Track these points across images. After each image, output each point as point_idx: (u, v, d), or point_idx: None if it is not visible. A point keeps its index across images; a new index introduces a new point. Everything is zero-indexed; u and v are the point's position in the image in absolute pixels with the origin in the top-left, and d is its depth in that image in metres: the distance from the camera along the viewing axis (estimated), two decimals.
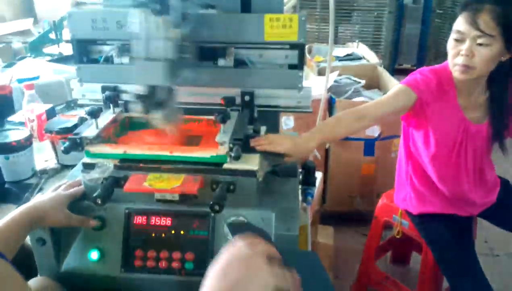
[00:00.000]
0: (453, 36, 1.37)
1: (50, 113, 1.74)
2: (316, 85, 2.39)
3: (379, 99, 1.51)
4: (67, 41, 3.26)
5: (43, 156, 1.59)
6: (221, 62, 1.17)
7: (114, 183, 0.99)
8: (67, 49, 3.15)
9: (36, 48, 3.14)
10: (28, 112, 1.67)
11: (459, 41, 1.35)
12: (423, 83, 1.45)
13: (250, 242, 0.65)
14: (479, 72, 1.37)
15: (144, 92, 0.99)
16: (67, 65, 2.52)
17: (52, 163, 1.54)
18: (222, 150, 1.00)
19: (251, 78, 1.16)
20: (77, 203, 1.03)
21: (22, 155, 1.44)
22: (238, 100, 1.16)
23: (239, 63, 1.18)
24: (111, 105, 1.16)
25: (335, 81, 2.68)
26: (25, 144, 1.44)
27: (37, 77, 2.24)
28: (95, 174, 0.99)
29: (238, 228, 0.84)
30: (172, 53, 0.95)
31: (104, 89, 1.17)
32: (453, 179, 1.56)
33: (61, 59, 2.82)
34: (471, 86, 1.45)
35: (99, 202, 0.94)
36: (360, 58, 3.16)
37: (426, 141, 1.53)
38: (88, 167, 1.02)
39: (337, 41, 4.24)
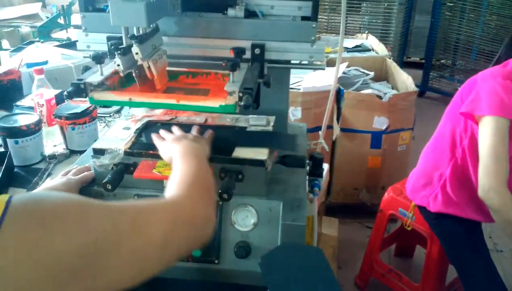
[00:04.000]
0: None
1: (59, 99, 1.74)
2: (324, 76, 2.38)
3: (496, 150, 1.37)
4: (75, 27, 3.25)
5: (52, 141, 1.60)
6: (231, 12, 1.12)
7: (124, 169, 1.00)
8: (76, 35, 3.15)
9: (44, 33, 3.14)
10: (37, 97, 1.68)
11: None
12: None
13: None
14: None
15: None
16: (75, 50, 2.51)
17: (60, 148, 1.55)
18: (231, 100, 0.94)
19: (262, 29, 1.12)
20: (86, 188, 1.04)
21: (31, 139, 1.45)
22: (248, 54, 1.11)
23: (250, 14, 1.13)
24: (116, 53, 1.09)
25: (344, 73, 2.67)
26: (34, 129, 1.45)
27: (46, 62, 2.24)
28: (105, 160, 1.00)
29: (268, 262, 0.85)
30: None
31: (109, 39, 1.13)
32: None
33: (70, 44, 2.82)
34: None
35: (109, 187, 0.94)
36: (369, 50, 3.14)
37: None
38: (98, 152, 1.02)
39: (346, 32, 4.21)
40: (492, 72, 1.45)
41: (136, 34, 0.96)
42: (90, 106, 1.52)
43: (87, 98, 0.98)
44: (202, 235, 0.74)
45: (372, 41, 3.30)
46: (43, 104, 1.67)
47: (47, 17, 3.45)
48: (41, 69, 1.83)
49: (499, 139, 1.36)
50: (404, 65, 4.52)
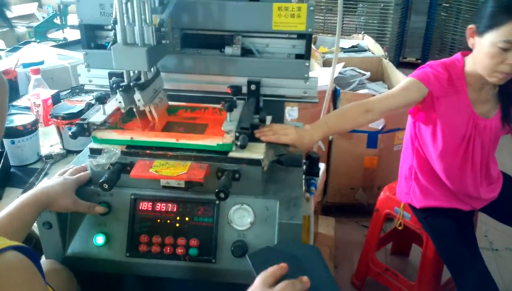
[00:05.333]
0: (500, 44, 1.31)
1: (55, 99, 1.74)
2: (321, 76, 2.39)
3: (387, 92, 1.50)
4: (71, 27, 3.25)
5: (49, 141, 1.60)
6: (228, 50, 1.17)
7: (121, 168, 1.00)
8: (72, 35, 3.14)
9: (40, 33, 3.13)
10: (34, 97, 1.68)
11: (506, 50, 1.32)
12: (434, 77, 1.44)
13: None
14: None
15: (124, 82, 1.01)
16: (71, 50, 2.51)
17: (57, 148, 1.55)
18: (228, 138, 1.00)
19: (258, 67, 1.16)
20: (83, 188, 1.04)
21: (28, 139, 1.45)
22: (244, 89, 1.16)
23: (246, 52, 1.18)
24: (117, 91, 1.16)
25: (340, 73, 2.67)
26: (31, 129, 1.45)
27: (42, 62, 2.24)
28: (102, 160, 1.00)
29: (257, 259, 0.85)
30: (152, 39, 0.97)
31: (111, 75, 1.17)
32: (459, 173, 1.56)
33: (66, 44, 2.81)
34: (482, 82, 1.45)
35: (106, 187, 0.95)
36: (365, 50, 3.15)
37: (434, 136, 1.53)
38: (95, 152, 1.03)
39: (342, 32, 4.22)
40: (438, 61, 1.51)
41: (137, 79, 1.01)
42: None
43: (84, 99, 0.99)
44: None
45: (368, 41, 3.31)
46: (39, 104, 1.67)
47: (43, 17, 3.45)
48: (37, 69, 1.83)
49: (399, 92, 1.45)
50: (400, 65, 4.53)
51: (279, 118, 1.28)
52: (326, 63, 2.72)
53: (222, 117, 1.07)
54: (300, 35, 1.15)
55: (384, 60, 2.90)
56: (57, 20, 3.22)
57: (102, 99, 1.04)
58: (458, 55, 1.51)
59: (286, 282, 0.77)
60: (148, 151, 1.01)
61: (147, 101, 1.02)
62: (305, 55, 1.16)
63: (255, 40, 1.18)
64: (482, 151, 1.54)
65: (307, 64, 1.15)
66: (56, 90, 1.81)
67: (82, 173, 1.06)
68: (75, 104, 1.54)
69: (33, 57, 2.33)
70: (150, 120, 1.10)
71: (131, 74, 1.04)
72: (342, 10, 1.36)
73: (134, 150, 1.02)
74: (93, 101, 1.11)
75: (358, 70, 2.79)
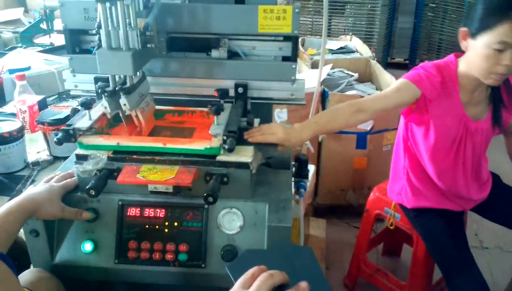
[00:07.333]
0: (494, 46, 1.30)
1: (42, 105, 1.72)
2: (309, 78, 2.39)
3: (380, 93, 1.50)
4: (58, 32, 3.22)
5: (35, 147, 1.58)
6: (214, 53, 1.16)
7: (108, 174, 0.99)
8: (58, 40, 3.12)
9: (27, 38, 3.10)
10: (20, 104, 1.66)
11: (501, 51, 1.31)
12: (427, 79, 1.43)
13: None
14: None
15: (110, 87, 1.00)
16: (58, 56, 2.49)
17: (44, 155, 1.53)
18: (216, 142, 1.00)
19: (245, 70, 1.16)
20: (70, 194, 1.03)
21: (14, 146, 1.43)
22: (231, 92, 1.16)
23: (233, 55, 1.18)
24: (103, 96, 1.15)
25: (328, 74, 2.68)
26: (17, 136, 1.43)
27: (28, 68, 2.21)
28: (88, 166, 0.99)
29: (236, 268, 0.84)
30: (137, 43, 0.97)
31: (96, 80, 1.15)
32: (450, 174, 1.56)
33: (52, 50, 2.79)
34: (475, 84, 1.45)
35: (93, 193, 0.94)
36: (353, 52, 3.17)
37: (426, 137, 1.53)
38: (81, 158, 1.01)
39: (330, 34, 4.25)
40: (431, 62, 1.51)
41: (123, 84, 1.01)
42: None
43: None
44: None
45: (356, 42, 3.33)
46: (25, 111, 1.65)
47: (29, 22, 3.41)
48: (22, 75, 1.80)
49: (392, 93, 1.44)
50: (389, 66, 4.56)
51: (267, 120, 1.28)
52: (314, 65, 2.73)
53: (210, 121, 1.06)
54: (286, 38, 1.15)
55: (372, 61, 2.91)
56: (43, 25, 3.19)
57: (87, 105, 1.04)
58: (451, 57, 1.51)
59: (263, 274, 0.73)
60: (135, 156, 1.00)
61: (133, 106, 1.01)
62: (292, 57, 1.16)
63: (242, 43, 1.17)
64: (473, 153, 1.55)
65: (293, 66, 1.15)
66: (42, 96, 1.79)
67: (68, 180, 1.05)
68: (62, 110, 1.53)
69: (19, 62, 2.30)
70: (136, 125, 1.09)
71: (117, 79, 1.03)
72: (328, 11, 1.37)
73: (120, 155, 1.01)
74: (78, 107, 1.09)
75: (346, 72, 2.80)
